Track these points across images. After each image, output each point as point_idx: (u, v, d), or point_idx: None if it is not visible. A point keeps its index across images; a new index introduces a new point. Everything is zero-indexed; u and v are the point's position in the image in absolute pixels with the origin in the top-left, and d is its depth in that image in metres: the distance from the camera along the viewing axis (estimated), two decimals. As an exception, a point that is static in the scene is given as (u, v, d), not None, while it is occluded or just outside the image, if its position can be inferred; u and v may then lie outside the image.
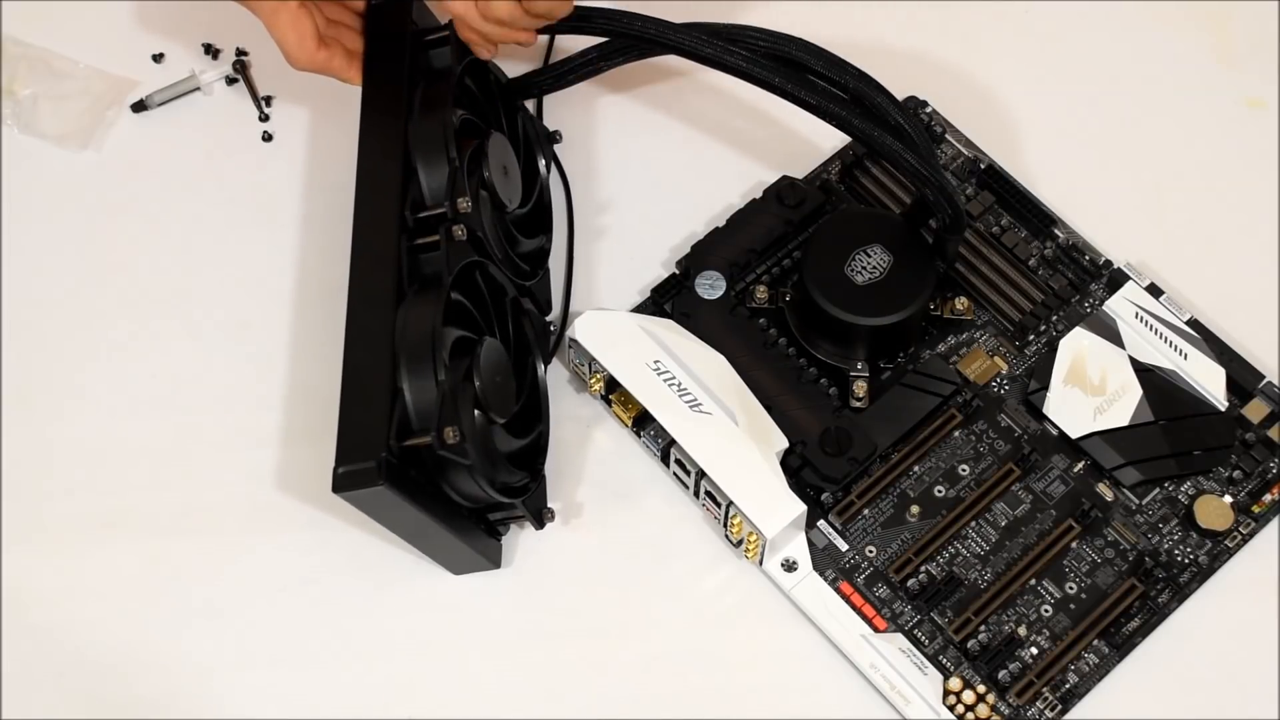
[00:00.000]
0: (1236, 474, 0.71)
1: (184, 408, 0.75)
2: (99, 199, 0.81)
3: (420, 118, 0.70)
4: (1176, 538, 0.70)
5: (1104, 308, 0.75)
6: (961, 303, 0.75)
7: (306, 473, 0.72)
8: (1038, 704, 0.66)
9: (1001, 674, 0.67)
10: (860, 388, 0.73)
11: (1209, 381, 0.73)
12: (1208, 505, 0.70)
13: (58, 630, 0.69)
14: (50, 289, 0.78)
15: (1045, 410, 0.72)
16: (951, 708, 0.66)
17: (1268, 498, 0.71)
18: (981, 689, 0.66)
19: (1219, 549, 0.70)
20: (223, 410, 0.75)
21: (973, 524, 0.70)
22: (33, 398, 0.75)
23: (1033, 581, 0.69)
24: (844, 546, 0.70)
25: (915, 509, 0.71)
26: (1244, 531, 0.70)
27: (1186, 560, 0.69)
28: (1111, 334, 0.74)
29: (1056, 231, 0.78)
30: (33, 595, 0.70)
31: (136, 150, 0.83)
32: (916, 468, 0.72)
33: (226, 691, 0.68)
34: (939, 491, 0.71)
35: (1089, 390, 0.72)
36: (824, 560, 0.70)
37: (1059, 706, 0.66)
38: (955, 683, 0.66)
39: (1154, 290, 0.75)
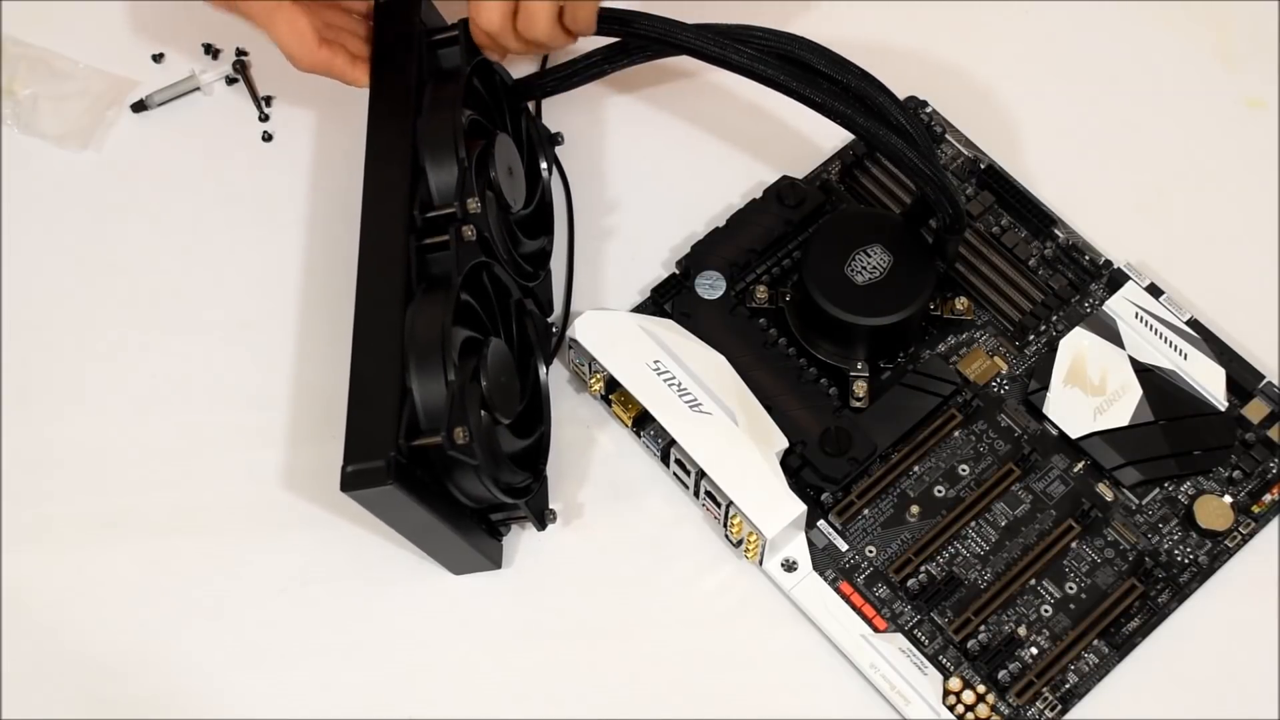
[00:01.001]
0: (1236, 474, 0.71)
1: (184, 408, 0.75)
2: (99, 199, 0.81)
3: (429, 117, 0.70)
4: (1176, 538, 0.70)
5: (1104, 308, 0.75)
6: (961, 303, 0.75)
7: (307, 473, 0.72)
8: (1038, 704, 0.66)
9: (1001, 674, 0.67)
10: (860, 388, 0.73)
11: (1209, 381, 0.73)
12: (1208, 505, 0.70)
13: (58, 630, 0.69)
14: (50, 289, 0.78)
15: (1045, 410, 0.72)
16: (951, 708, 0.66)
17: (1268, 498, 0.71)
18: (981, 689, 0.66)
19: (1219, 549, 0.70)
20: (223, 410, 0.75)
21: (973, 524, 0.70)
22: (33, 398, 0.75)
23: (1033, 581, 0.69)
24: (844, 546, 0.70)
25: (915, 509, 0.71)
26: (1244, 531, 0.70)
27: (1186, 560, 0.69)
28: (1111, 334, 0.74)
29: (1056, 231, 0.78)
30: (33, 595, 0.70)
31: (136, 150, 0.83)
32: (916, 468, 0.72)
33: (226, 691, 0.68)
34: (939, 491, 0.71)
35: (1089, 390, 0.72)
36: (824, 560, 0.70)
37: (1059, 706, 0.66)
38: (955, 683, 0.66)
39: (1154, 290, 0.75)
